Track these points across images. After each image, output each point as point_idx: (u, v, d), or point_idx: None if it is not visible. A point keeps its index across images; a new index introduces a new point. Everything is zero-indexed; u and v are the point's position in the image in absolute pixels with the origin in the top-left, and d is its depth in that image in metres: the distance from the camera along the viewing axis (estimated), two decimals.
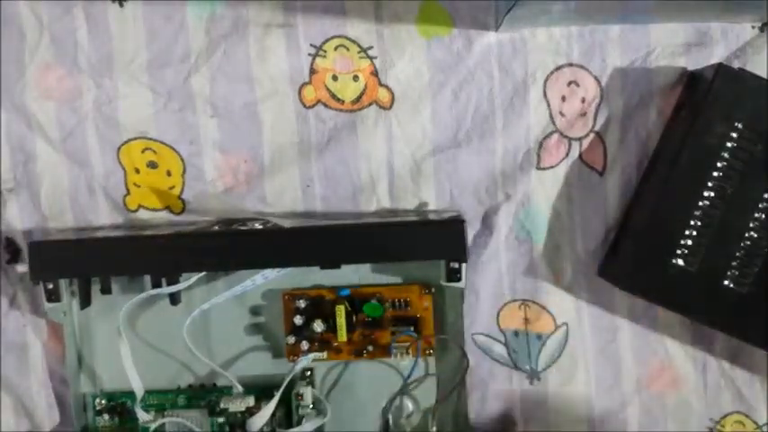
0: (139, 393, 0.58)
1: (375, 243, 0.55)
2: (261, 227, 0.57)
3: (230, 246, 0.55)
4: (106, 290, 0.58)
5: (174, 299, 0.58)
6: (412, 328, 0.58)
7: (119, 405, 0.60)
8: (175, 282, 0.57)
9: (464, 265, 0.55)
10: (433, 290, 0.58)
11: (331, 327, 0.58)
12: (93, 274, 0.58)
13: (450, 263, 0.55)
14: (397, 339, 0.58)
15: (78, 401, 0.60)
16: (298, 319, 0.58)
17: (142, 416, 0.58)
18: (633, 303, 0.60)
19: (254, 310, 0.60)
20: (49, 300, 0.57)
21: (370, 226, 0.57)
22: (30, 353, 0.62)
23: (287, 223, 0.57)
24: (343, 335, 0.57)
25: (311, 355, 0.58)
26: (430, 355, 0.59)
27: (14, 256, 0.61)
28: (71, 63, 0.59)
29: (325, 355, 0.58)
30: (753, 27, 0.58)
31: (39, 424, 0.62)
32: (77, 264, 0.56)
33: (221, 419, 0.59)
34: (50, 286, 0.57)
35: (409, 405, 0.60)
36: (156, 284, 0.57)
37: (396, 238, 0.55)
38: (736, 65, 0.58)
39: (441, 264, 0.56)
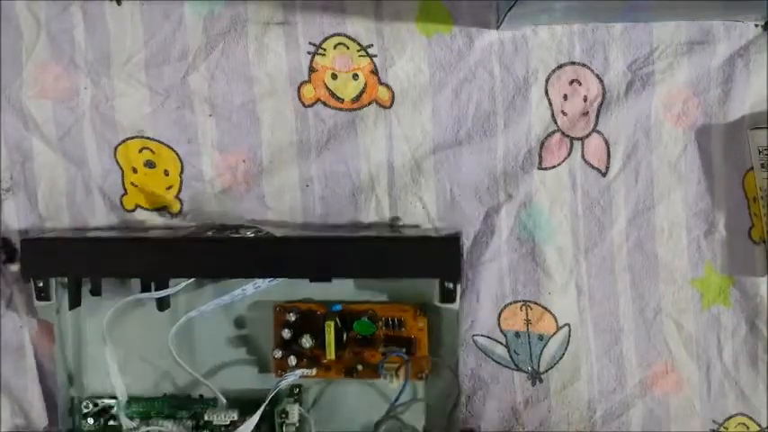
0: (122, 400, 0.57)
1: (367, 257, 0.54)
2: (252, 235, 0.56)
3: (220, 253, 0.55)
4: (96, 291, 0.58)
5: (162, 304, 0.57)
6: (404, 350, 0.57)
7: (105, 409, 0.60)
8: (165, 287, 0.56)
9: (459, 285, 0.54)
10: (427, 310, 0.57)
11: (320, 343, 0.56)
12: (82, 274, 0.57)
13: (444, 282, 0.54)
14: (387, 360, 0.56)
15: (65, 404, 0.59)
16: (286, 333, 0.57)
17: (126, 423, 0.58)
18: (637, 304, 0.60)
19: (243, 321, 0.59)
20: (39, 298, 0.56)
21: (364, 239, 0.56)
22: (26, 353, 0.62)
23: (279, 232, 0.56)
24: (331, 352, 0.56)
25: (299, 372, 0.57)
26: (422, 378, 0.58)
27: (11, 256, 0.61)
28: (68, 61, 0.59)
29: (314, 371, 0.57)
30: (756, 25, 0.58)
31: (36, 425, 0.62)
32: (67, 263, 0.56)
33: (205, 431, 0.59)
34: (40, 284, 0.56)
35: (399, 429, 0.58)
36: (146, 288, 0.56)
37: (389, 253, 0.54)
38: (739, 64, 0.58)
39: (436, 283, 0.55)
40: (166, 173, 0.60)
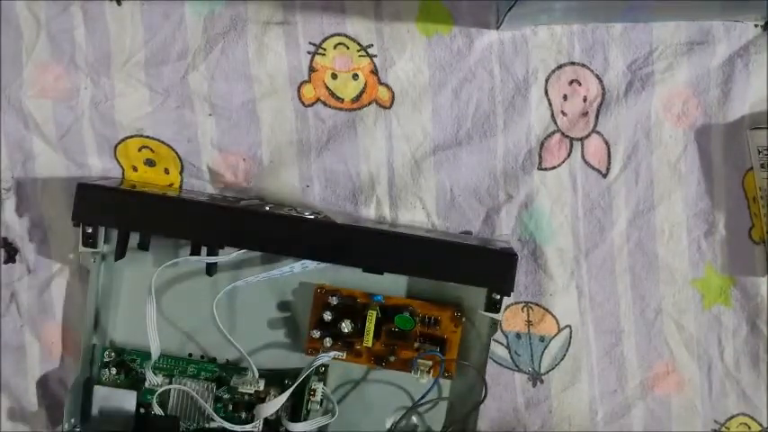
0: (155, 356, 0.57)
1: (424, 258, 0.55)
2: (312, 217, 0.56)
3: (278, 229, 0.55)
4: (144, 246, 0.57)
5: (210, 270, 0.58)
6: (438, 349, 0.57)
7: (127, 361, 0.59)
8: (215, 253, 0.56)
9: (505, 298, 0.55)
10: (464, 314, 0.57)
11: (358, 330, 0.57)
12: (135, 228, 0.57)
13: (492, 293, 0.55)
14: (421, 356, 0.57)
15: (87, 351, 0.59)
16: (327, 315, 0.57)
17: (151, 378, 0.57)
18: (637, 305, 0.60)
19: (284, 297, 0.59)
20: (86, 244, 0.56)
21: (423, 240, 0.56)
22: (27, 354, 0.62)
23: (339, 219, 0.56)
24: (369, 340, 0.56)
25: (332, 353, 0.57)
26: (449, 377, 0.58)
27: (11, 256, 0.61)
28: (68, 61, 0.59)
29: (344, 355, 0.58)
30: (756, 25, 0.58)
31: (35, 425, 0.62)
32: (122, 215, 0.55)
33: (226, 396, 0.59)
34: (89, 230, 0.56)
35: (418, 424, 0.59)
36: (195, 252, 0.56)
37: (446, 256, 0.55)
38: (739, 64, 0.58)
39: (479, 290, 0.55)
40: (166, 171, 0.60)
